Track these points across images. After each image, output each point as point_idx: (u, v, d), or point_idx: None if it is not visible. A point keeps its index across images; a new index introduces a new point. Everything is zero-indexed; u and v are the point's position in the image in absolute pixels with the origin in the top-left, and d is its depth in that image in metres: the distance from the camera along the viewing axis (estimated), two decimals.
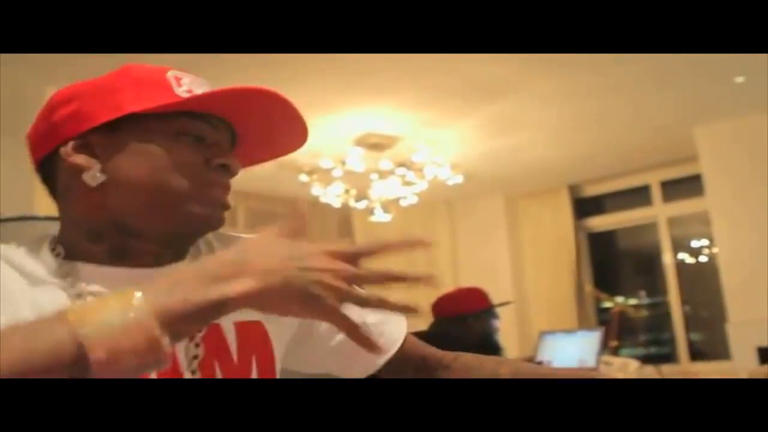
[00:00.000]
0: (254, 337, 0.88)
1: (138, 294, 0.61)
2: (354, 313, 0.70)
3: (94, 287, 0.79)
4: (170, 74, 0.83)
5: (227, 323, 0.85)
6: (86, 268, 0.80)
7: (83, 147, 0.80)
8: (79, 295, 0.77)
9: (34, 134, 0.87)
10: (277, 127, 0.88)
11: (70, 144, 0.81)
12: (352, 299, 0.69)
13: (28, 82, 3.43)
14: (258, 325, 0.88)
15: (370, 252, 0.73)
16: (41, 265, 0.80)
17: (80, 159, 0.80)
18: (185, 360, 0.81)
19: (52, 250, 0.82)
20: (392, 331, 0.98)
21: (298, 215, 0.77)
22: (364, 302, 0.70)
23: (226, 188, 0.84)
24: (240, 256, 0.67)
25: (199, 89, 0.82)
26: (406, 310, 0.72)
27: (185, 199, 0.80)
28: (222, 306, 0.64)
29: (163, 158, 0.79)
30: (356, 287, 0.69)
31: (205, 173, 0.81)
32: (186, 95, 0.81)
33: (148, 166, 0.79)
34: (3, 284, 0.74)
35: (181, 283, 0.64)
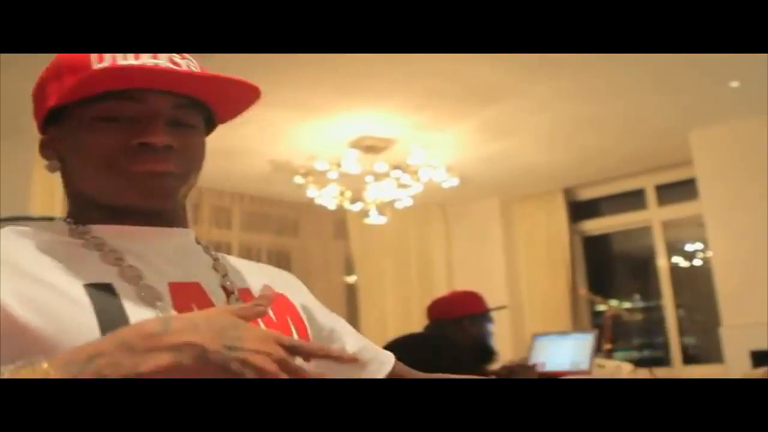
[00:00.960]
0: (283, 303, 0.90)
1: (45, 367, 0.61)
2: (340, 342, 0.70)
3: (113, 241, 0.82)
4: (99, 56, 0.82)
5: (257, 286, 0.89)
6: (96, 229, 0.84)
7: (44, 142, 0.88)
8: (99, 246, 0.81)
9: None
10: (216, 89, 0.85)
11: (40, 139, 0.88)
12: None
13: (24, 85, 3.42)
14: (283, 297, 0.91)
15: (312, 353, 0.71)
16: (56, 232, 0.83)
17: (42, 153, 0.88)
18: None
19: (64, 221, 0.86)
20: (380, 353, 1.01)
21: (262, 299, 0.76)
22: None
23: (151, 161, 0.80)
24: (163, 327, 0.66)
25: (123, 60, 0.81)
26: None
27: (112, 184, 0.81)
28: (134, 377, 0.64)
29: (85, 146, 0.81)
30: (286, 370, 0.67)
31: (123, 154, 0.80)
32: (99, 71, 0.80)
33: (78, 156, 0.83)
34: (13, 256, 0.75)
35: (99, 355, 0.63)
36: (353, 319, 6.33)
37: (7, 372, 0.62)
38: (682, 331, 5.71)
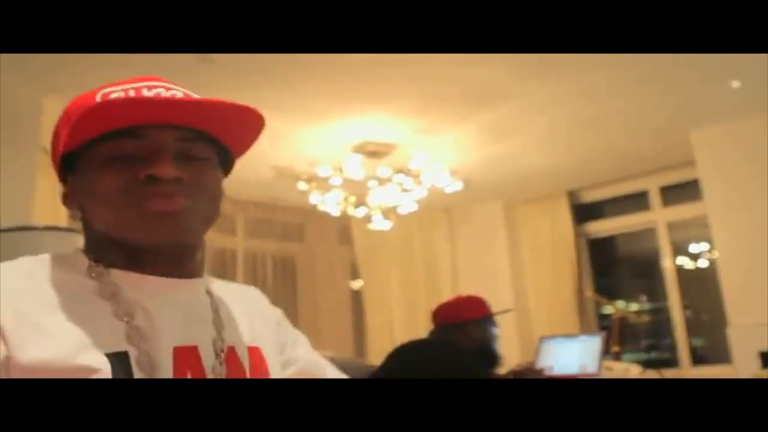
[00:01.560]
0: (259, 360, 0.91)
1: None
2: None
3: (127, 292, 0.82)
4: (100, 93, 0.83)
5: (241, 347, 0.89)
6: (114, 274, 0.83)
7: (65, 192, 0.88)
8: (114, 296, 0.81)
9: None
10: (222, 120, 0.85)
11: (63, 190, 0.88)
12: None
13: (24, 93, 3.43)
14: (258, 350, 0.92)
15: None
16: (73, 269, 0.83)
17: (65, 202, 0.88)
18: (210, 372, 0.83)
19: (84, 252, 0.86)
20: (325, 370, 1.04)
21: None
22: None
23: (161, 196, 0.80)
24: None
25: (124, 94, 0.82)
26: None
27: (123, 223, 0.81)
28: None
29: (96, 188, 0.81)
30: None
31: (132, 191, 0.80)
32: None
33: (92, 199, 0.82)
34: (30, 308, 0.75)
35: None
36: (359, 324, 6.33)
37: None
38: (690, 333, 5.69)
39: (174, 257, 0.85)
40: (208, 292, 0.92)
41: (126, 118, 0.79)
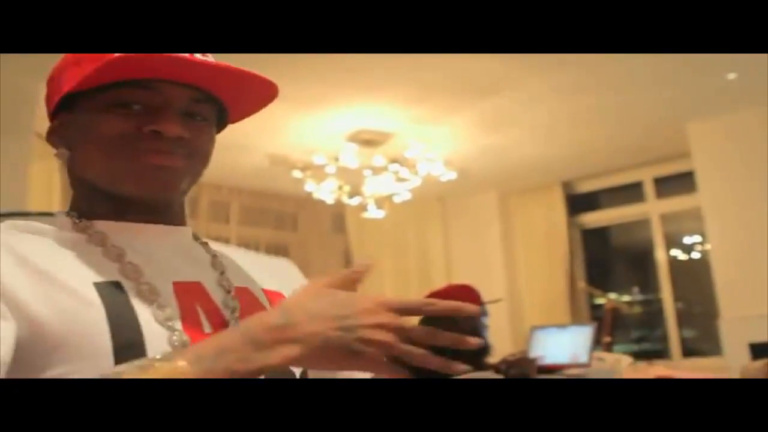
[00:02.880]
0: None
1: (183, 364, 0.64)
2: None
3: (115, 238, 0.82)
4: None
5: (256, 289, 0.89)
6: (99, 224, 0.84)
7: (54, 128, 0.87)
8: (102, 241, 0.82)
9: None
10: (235, 86, 0.86)
11: (48, 126, 0.88)
12: (396, 352, 0.69)
13: (19, 79, 3.41)
14: (279, 295, 0.92)
15: (420, 310, 0.74)
16: (59, 226, 0.83)
17: (50, 139, 0.87)
18: (227, 312, 0.83)
19: (66, 214, 0.86)
20: None
21: (359, 267, 0.77)
22: (408, 357, 0.69)
23: (162, 152, 0.81)
24: (285, 319, 0.68)
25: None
26: (447, 368, 0.72)
27: (118, 169, 0.82)
28: (263, 372, 0.67)
29: (95, 130, 0.82)
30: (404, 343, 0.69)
31: (133, 141, 0.81)
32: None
33: (88, 141, 0.83)
34: (20, 252, 0.75)
35: (227, 351, 0.66)
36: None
37: (138, 369, 0.65)
38: (681, 324, 5.72)
39: (157, 209, 0.86)
40: (200, 241, 0.93)
41: (141, 70, 0.79)
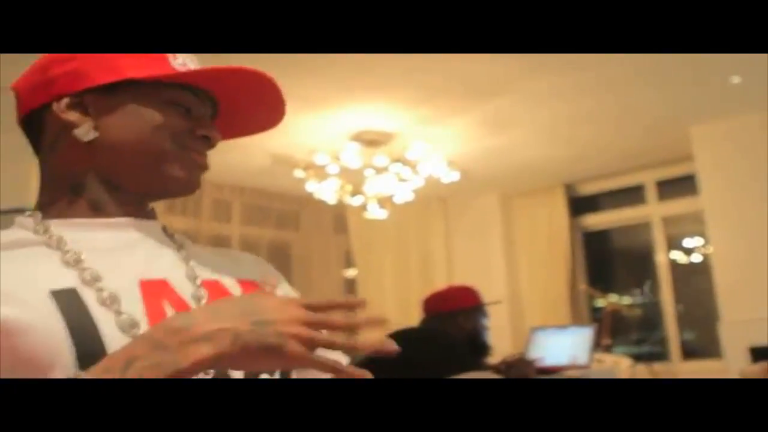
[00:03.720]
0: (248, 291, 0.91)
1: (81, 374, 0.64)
2: None
3: (74, 237, 0.82)
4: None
5: (230, 280, 0.90)
6: (62, 222, 0.84)
7: (77, 105, 0.85)
8: (60, 245, 0.81)
9: (24, 86, 0.89)
10: (258, 106, 0.95)
11: (64, 101, 0.85)
12: (318, 344, 0.68)
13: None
14: (253, 284, 0.91)
15: (330, 307, 0.72)
16: (19, 230, 0.83)
17: (73, 116, 0.84)
18: (192, 301, 0.83)
19: (28, 215, 0.85)
20: None
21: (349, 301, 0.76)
22: (331, 345, 0.69)
23: (205, 156, 0.91)
24: (186, 320, 0.66)
25: (192, 65, 0.90)
26: (377, 349, 0.71)
27: (169, 159, 0.86)
28: (181, 376, 0.64)
29: (152, 121, 0.85)
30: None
31: (187, 140, 0.88)
32: (182, 69, 0.88)
33: (138, 128, 0.85)
34: None
35: (135, 359, 0.64)
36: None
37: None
38: (681, 327, 5.72)
39: (147, 203, 0.92)
40: (168, 234, 0.93)
41: (208, 80, 0.88)
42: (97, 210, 0.85)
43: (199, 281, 0.86)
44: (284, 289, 0.98)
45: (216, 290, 0.86)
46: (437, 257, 6.69)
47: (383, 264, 6.43)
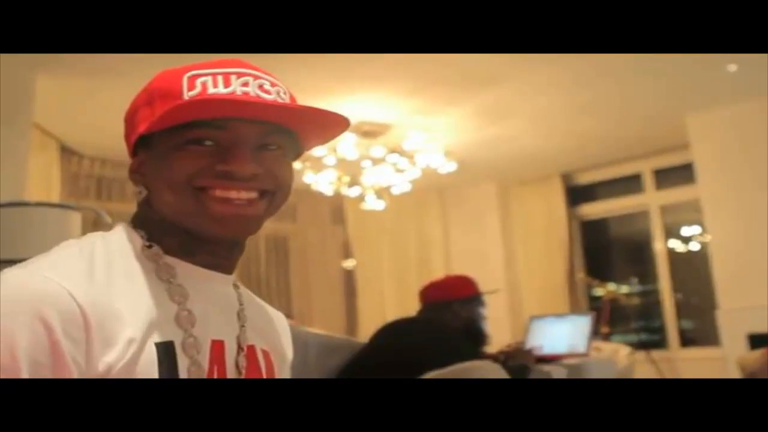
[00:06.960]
0: (269, 363, 0.94)
1: None
2: None
3: (180, 277, 0.83)
4: (187, 76, 0.81)
5: (260, 347, 0.92)
6: (168, 257, 0.84)
7: (134, 166, 0.87)
8: (170, 277, 0.82)
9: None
10: (306, 125, 0.86)
11: (130, 163, 0.88)
12: None
13: (17, 70, 3.40)
14: (269, 354, 0.94)
15: None
16: (134, 248, 0.84)
17: (132, 177, 0.87)
18: (233, 369, 0.86)
19: (140, 235, 0.85)
20: None
21: None
22: None
23: (236, 191, 0.81)
24: None
25: (213, 88, 0.80)
26: None
27: (186, 216, 0.82)
28: None
29: (169, 171, 0.81)
30: None
31: (205, 179, 0.80)
32: (199, 97, 0.79)
33: (161, 182, 0.82)
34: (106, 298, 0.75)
35: None
36: (351, 304, 6.35)
37: None
38: (680, 315, 5.74)
39: (226, 248, 0.87)
40: (236, 287, 0.93)
41: (216, 110, 0.79)
42: (186, 253, 0.85)
43: (245, 348, 0.88)
44: (289, 356, 1.02)
45: (251, 358, 0.89)
46: (435, 247, 6.69)
47: (381, 254, 6.44)
